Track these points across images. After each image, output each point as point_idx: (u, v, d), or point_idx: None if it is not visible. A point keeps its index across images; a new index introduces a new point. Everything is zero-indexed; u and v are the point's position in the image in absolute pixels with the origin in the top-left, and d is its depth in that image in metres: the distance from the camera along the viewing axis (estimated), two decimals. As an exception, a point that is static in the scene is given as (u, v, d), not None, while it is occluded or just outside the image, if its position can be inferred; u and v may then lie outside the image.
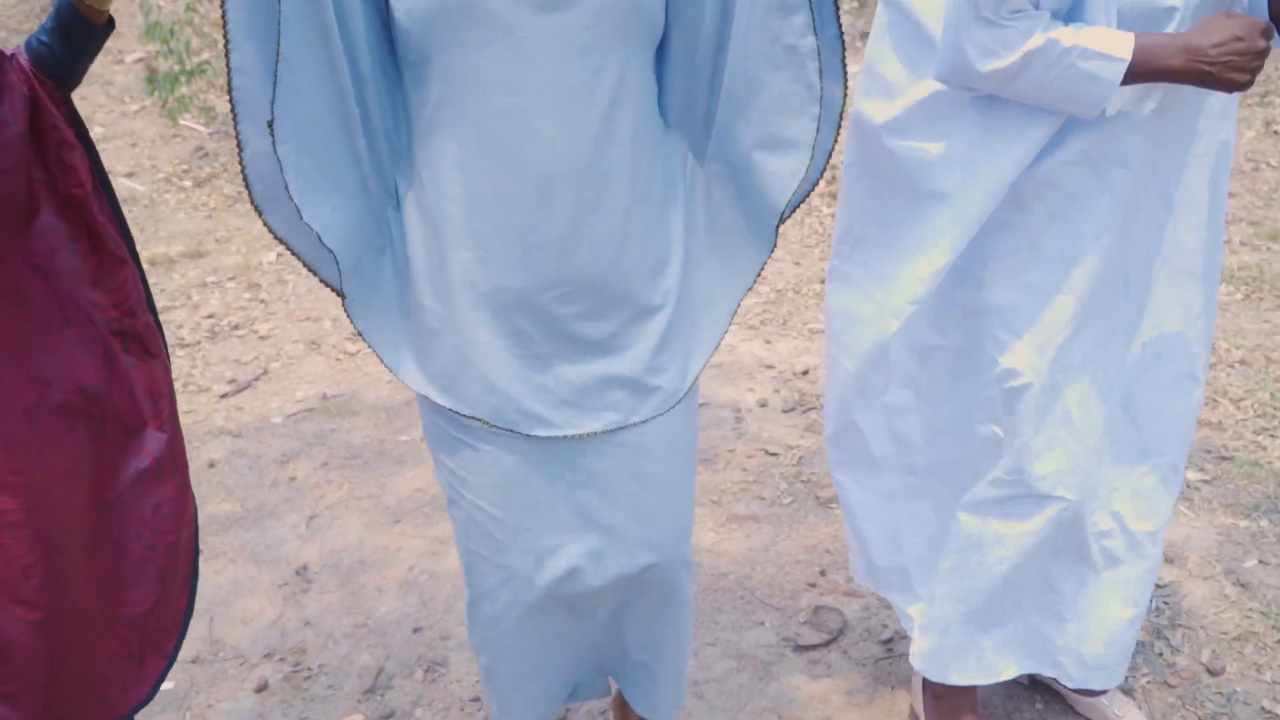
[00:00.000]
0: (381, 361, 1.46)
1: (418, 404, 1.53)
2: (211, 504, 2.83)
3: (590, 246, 1.36)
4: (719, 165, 1.47)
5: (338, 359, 3.85)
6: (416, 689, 2.08)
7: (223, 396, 3.55)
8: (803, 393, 3.36)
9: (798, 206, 1.47)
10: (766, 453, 2.99)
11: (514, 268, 1.36)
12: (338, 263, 1.37)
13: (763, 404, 3.30)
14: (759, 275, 1.52)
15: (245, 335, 4.10)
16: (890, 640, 2.15)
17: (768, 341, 3.82)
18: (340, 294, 1.42)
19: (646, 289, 1.42)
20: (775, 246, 1.49)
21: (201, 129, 6.19)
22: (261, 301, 4.44)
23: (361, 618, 2.32)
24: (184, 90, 5.83)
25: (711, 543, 2.55)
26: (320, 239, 1.33)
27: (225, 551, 2.62)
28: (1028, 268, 1.55)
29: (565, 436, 1.42)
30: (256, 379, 3.71)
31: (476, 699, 2.03)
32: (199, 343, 4.00)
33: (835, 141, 1.44)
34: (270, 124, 1.26)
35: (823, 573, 2.40)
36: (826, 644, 2.15)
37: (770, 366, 3.59)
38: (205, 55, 6.15)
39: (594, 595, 1.53)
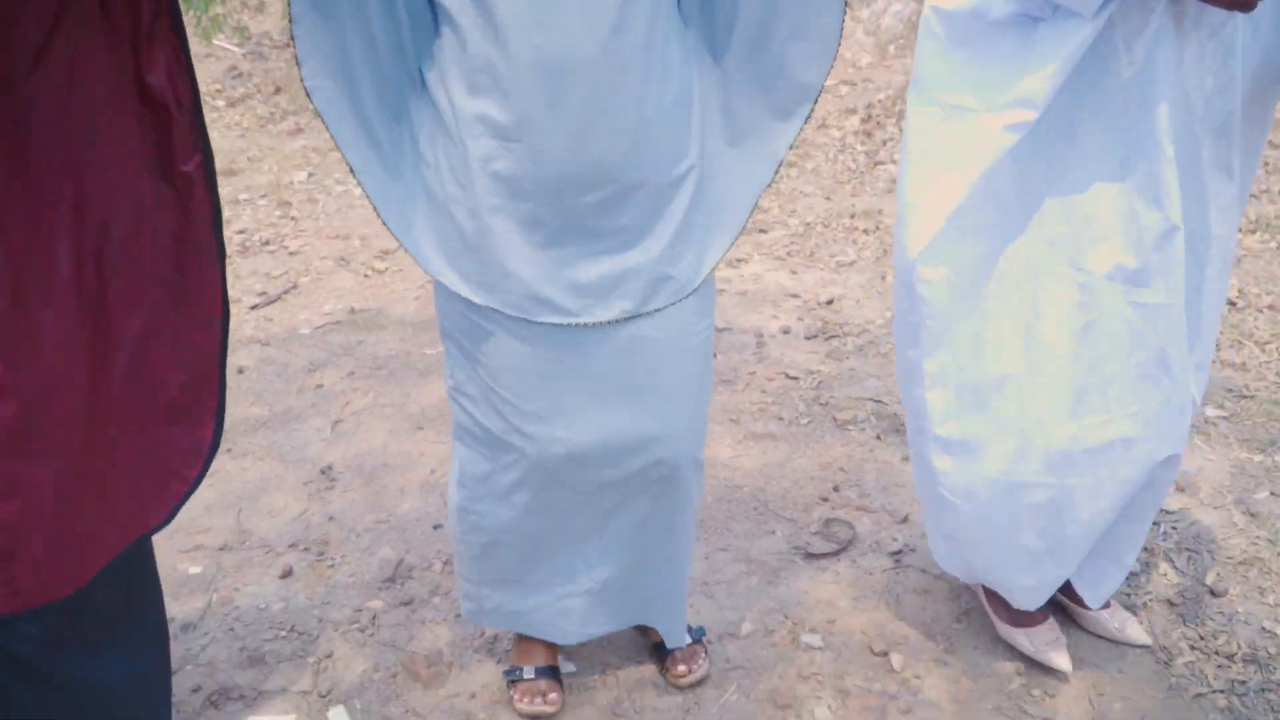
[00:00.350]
0: (399, 243, 1.50)
1: (433, 288, 1.57)
2: (240, 407, 2.90)
3: (606, 136, 1.38)
4: (741, 61, 1.48)
5: (365, 275, 3.90)
6: (435, 579, 2.14)
7: (252, 308, 3.60)
8: (826, 321, 3.37)
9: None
10: (787, 376, 3.01)
11: (532, 156, 1.38)
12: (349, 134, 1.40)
13: (785, 330, 3.32)
14: (777, 172, 1.53)
15: (275, 251, 4.15)
16: (899, 552, 2.19)
17: (794, 272, 3.82)
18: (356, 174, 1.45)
19: (663, 180, 1.44)
20: (796, 135, 1.50)
21: (235, 49, 6.21)
22: (292, 219, 4.48)
23: (383, 514, 2.38)
24: (218, 9, 5.84)
25: (728, 457, 2.59)
26: (310, 93, 1.37)
27: (253, 450, 2.69)
28: None
29: (579, 324, 1.45)
30: (286, 292, 3.76)
31: (492, 591, 2.09)
32: (230, 257, 4.05)
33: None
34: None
35: (836, 489, 2.43)
36: (836, 553, 2.19)
37: (795, 295, 3.60)
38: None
39: (603, 486, 1.57)
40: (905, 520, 2.30)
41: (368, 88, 1.40)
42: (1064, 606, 1.95)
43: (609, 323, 1.46)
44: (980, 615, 1.98)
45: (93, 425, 1.31)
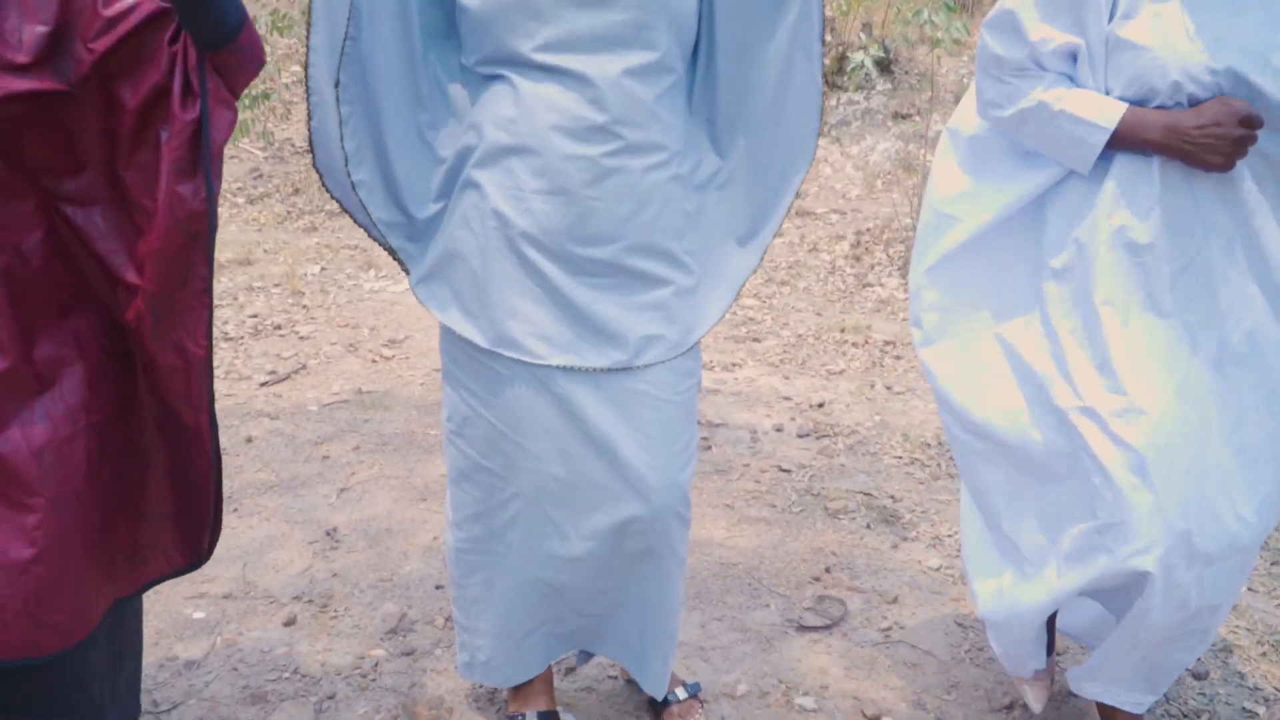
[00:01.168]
0: (412, 287, 1.63)
1: (440, 332, 1.69)
2: (248, 473, 2.97)
3: (615, 203, 1.54)
4: (738, 157, 1.67)
5: (373, 361, 4.01)
6: (437, 634, 2.18)
7: (262, 384, 3.70)
8: (817, 421, 3.49)
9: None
10: (780, 469, 3.11)
11: (545, 213, 1.53)
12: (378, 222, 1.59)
13: (779, 428, 3.43)
14: (763, 256, 1.72)
15: (286, 335, 4.27)
16: (889, 629, 2.25)
17: (786, 378, 3.96)
18: (390, 250, 1.64)
19: (661, 248, 1.60)
20: (783, 220, 1.69)
21: (258, 152, 6.48)
22: (304, 307, 4.62)
23: (387, 574, 2.44)
24: (246, 114, 6.11)
25: (723, 538, 2.66)
26: (354, 188, 1.54)
27: (259, 511, 2.74)
28: None
29: (574, 368, 1.56)
30: (295, 372, 3.87)
31: (493, 645, 2.14)
32: (242, 338, 4.18)
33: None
34: (336, 85, 1.48)
35: (828, 570, 2.50)
36: (828, 627, 2.25)
37: (788, 398, 3.73)
38: (266, 85, 6.46)
39: (592, 530, 1.64)
40: (895, 601, 2.37)
41: (395, 170, 1.59)
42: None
43: (603, 370, 1.57)
44: (969, 688, 2.03)
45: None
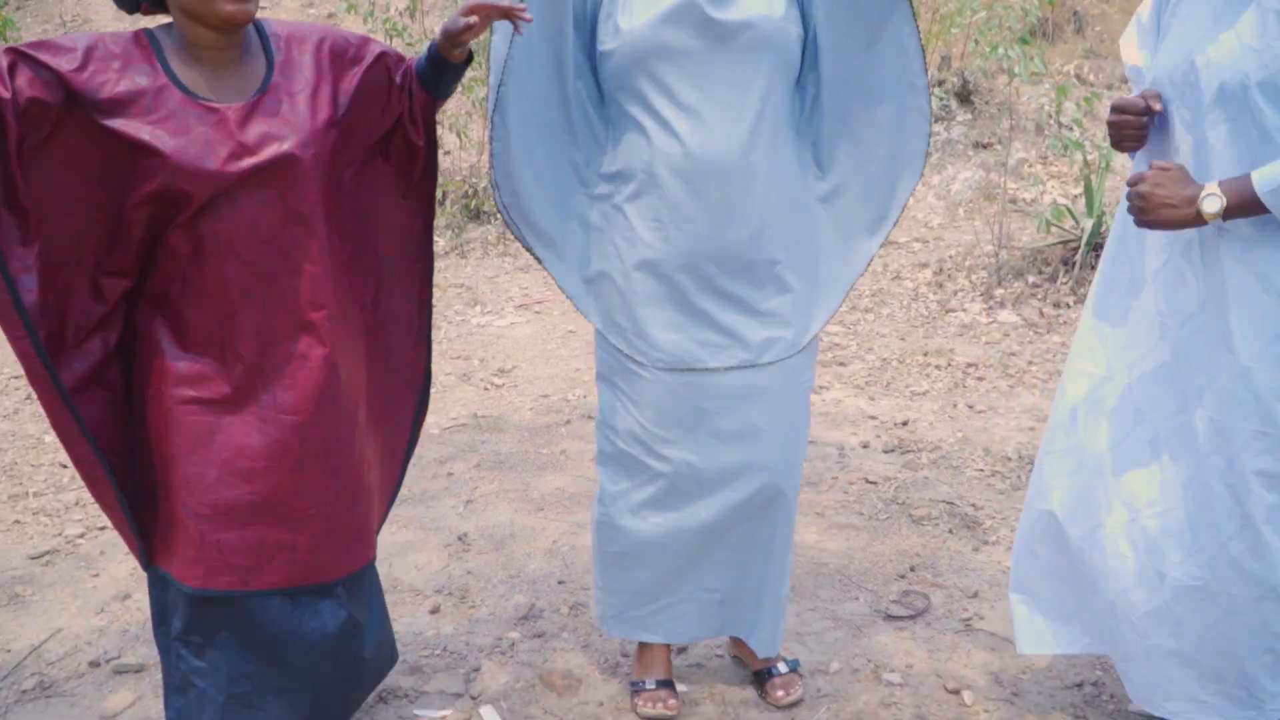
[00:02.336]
0: (567, 296, 1.95)
1: (594, 338, 1.99)
2: (383, 487, 3.32)
3: (738, 223, 1.83)
4: (842, 176, 1.94)
5: (485, 389, 4.37)
6: (563, 620, 2.48)
7: (388, 411, 4.07)
8: (902, 439, 3.71)
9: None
10: (866, 481, 3.35)
11: (680, 236, 1.83)
12: (528, 235, 1.91)
13: (865, 445, 3.67)
14: (869, 264, 1.96)
15: (405, 366, 4.65)
16: (969, 619, 2.47)
17: (872, 399, 4.19)
18: (536, 256, 1.96)
19: (780, 260, 1.88)
20: (885, 238, 1.95)
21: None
22: (419, 341, 5.01)
23: (514, 571, 2.75)
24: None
25: (814, 542, 2.91)
26: (506, 208, 1.88)
27: (397, 520, 3.08)
28: None
29: (706, 369, 1.86)
30: (416, 400, 4.23)
31: (612, 630, 2.42)
32: (366, 369, 4.57)
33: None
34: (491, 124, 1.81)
35: (912, 569, 2.73)
36: (912, 617, 2.48)
37: (873, 418, 3.96)
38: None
39: (719, 506, 1.93)
40: (975, 595, 2.59)
41: (542, 198, 1.89)
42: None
43: (729, 369, 1.86)
44: (1043, 669, 2.24)
45: (362, 450, 1.78)
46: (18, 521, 3.28)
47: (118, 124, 1.51)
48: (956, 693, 2.17)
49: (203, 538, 1.65)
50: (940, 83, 7.27)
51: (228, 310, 1.63)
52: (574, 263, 1.96)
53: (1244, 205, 1.54)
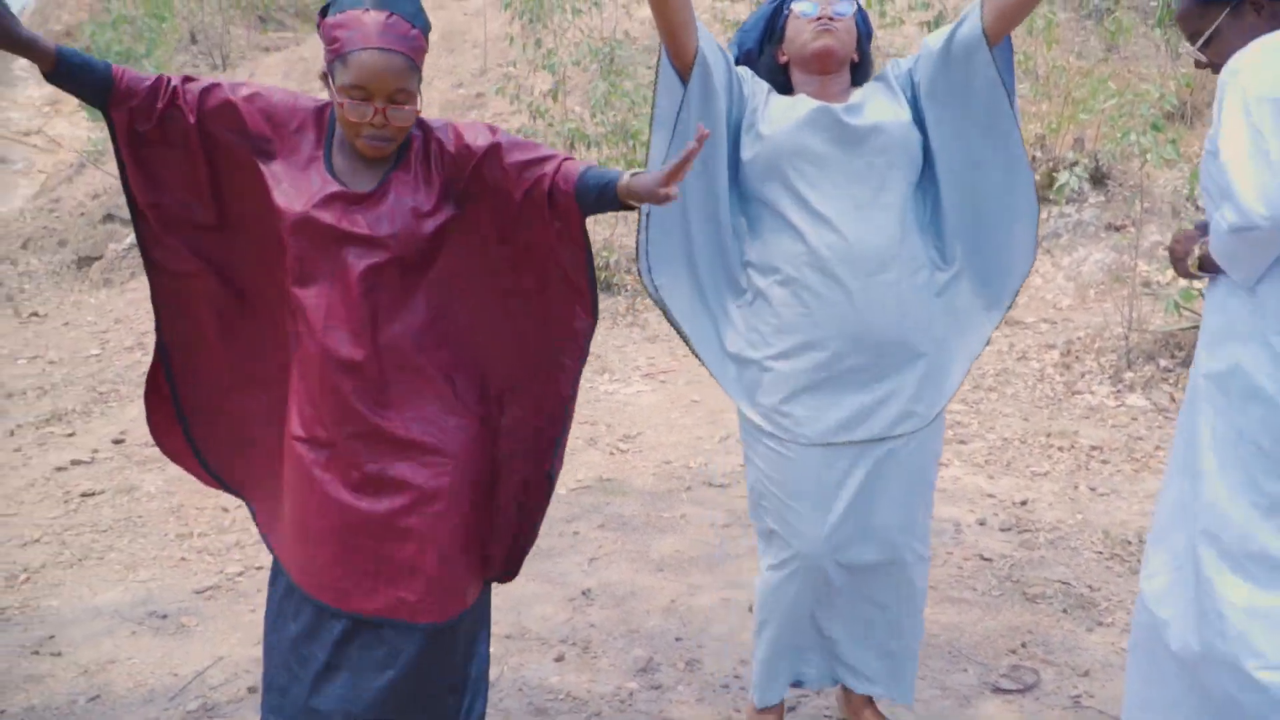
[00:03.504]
0: (712, 375, 2.12)
1: (739, 419, 2.15)
2: (513, 542, 3.54)
3: (878, 310, 2.00)
4: (962, 264, 2.08)
5: (611, 454, 4.57)
6: (679, 674, 2.62)
7: (520, 471, 4.31)
8: (1019, 518, 3.73)
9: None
10: (981, 558, 3.39)
11: (826, 321, 2.00)
12: (677, 317, 2.09)
13: (981, 522, 3.70)
14: (986, 344, 2.09)
15: (536, 430, 4.90)
16: (1079, 696, 2.50)
17: (991, 477, 4.21)
18: (684, 335, 2.13)
19: (911, 342, 2.04)
20: (1001, 319, 2.08)
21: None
22: (549, 406, 5.27)
23: (634, 626, 2.90)
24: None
25: (927, 615, 2.96)
26: (658, 290, 2.05)
27: (525, 573, 3.26)
28: None
29: (844, 442, 2.00)
30: (545, 462, 4.46)
31: (726, 685, 2.55)
32: (500, 431, 4.85)
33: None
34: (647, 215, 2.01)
35: (1023, 644, 2.77)
36: (1021, 691, 2.52)
37: (991, 496, 3.99)
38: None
39: (851, 568, 2.07)
40: (1086, 674, 2.61)
41: (692, 284, 2.09)
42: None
43: (863, 442, 2.00)
44: (1152, 749, 2.26)
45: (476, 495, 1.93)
46: (184, 559, 3.62)
47: (266, 167, 1.79)
48: (1061, 766, 2.21)
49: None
50: (1073, 165, 7.26)
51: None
52: (718, 343, 2.14)
53: (1205, 264, 1.81)
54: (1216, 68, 1.78)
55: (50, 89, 20.19)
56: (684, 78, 1.96)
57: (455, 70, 14.47)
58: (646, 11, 14.38)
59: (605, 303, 7.31)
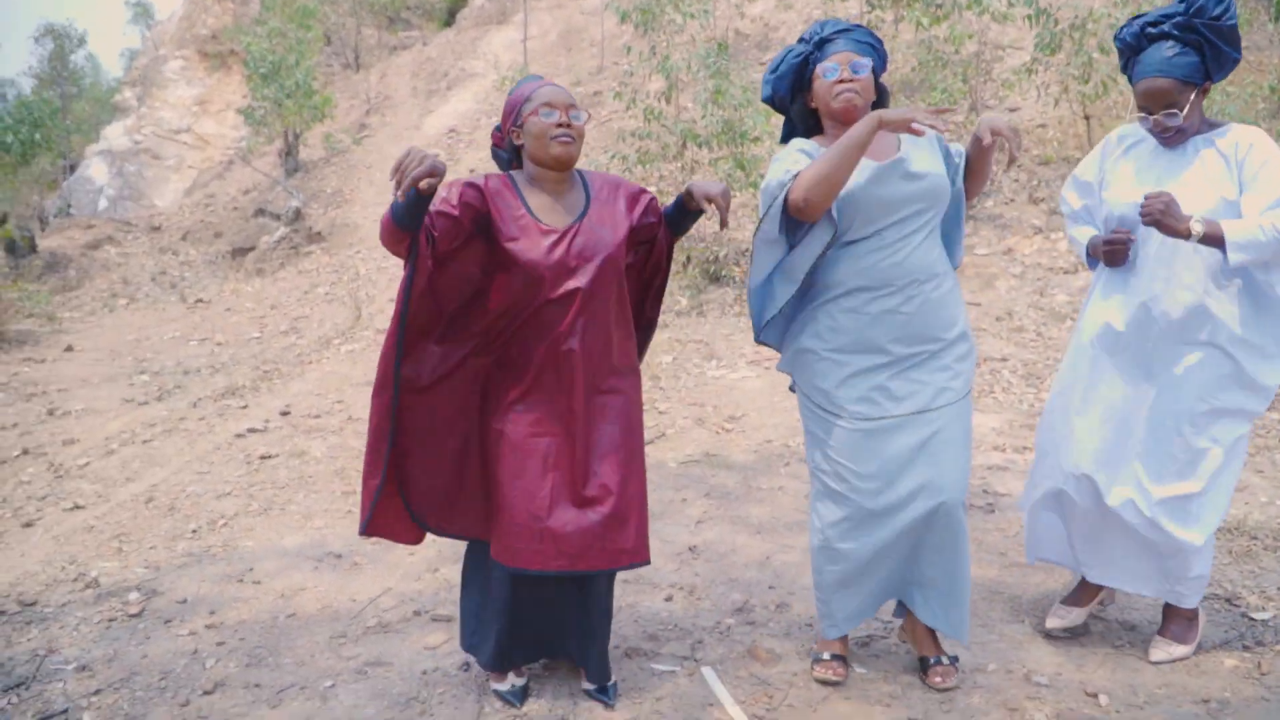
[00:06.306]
0: (779, 368, 2.58)
1: (798, 400, 2.61)
2: (629, 506, 4.04)
3: (920, 316, 2.43)
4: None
5: (716, 432, 5.03)
6: (769, 614, 3.07)
7: (634, 445, 4.82)
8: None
9: None
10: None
11: (876, 326, 2.43)
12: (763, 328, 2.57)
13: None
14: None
15: (649, 410, 5.40)
16: (1122, 645, 2.85)
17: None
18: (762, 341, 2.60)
19: (946, 337, 2.45)
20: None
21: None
22: (661, 389, 5.76)
23: (733, 576, 3.37)
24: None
25: (995, 575, 3.35)
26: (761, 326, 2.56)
27: (640, 531, 3.78)
28: None
29: (892, 416, 2.43)
30: (655, 439, 4.95)
31: (809, 625, 2.99)
32: (616, 411, 5.37)
33: None
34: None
35: (1078, 602, 3.12)
36: (1069, 638, 2.89)
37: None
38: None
39: (907, 522, 2.48)
40: (1133, 629, 2.96)
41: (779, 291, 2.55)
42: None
43: (908, 415, 2.43)
44: (1178, 687, 2.61)
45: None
46: (350, 511, 4.24)
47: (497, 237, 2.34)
48: (1094, 696, 2.58)
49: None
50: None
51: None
52: (786, 339, 2.61)
53: (1211, 239, 2.45)
54: (1181, 132, 2.51)
55: (198, 90, 21.63)
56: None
57: (573, 69, 15.08)
58: (758, 9, 14.70)
59: (714, 294, 7.77)
